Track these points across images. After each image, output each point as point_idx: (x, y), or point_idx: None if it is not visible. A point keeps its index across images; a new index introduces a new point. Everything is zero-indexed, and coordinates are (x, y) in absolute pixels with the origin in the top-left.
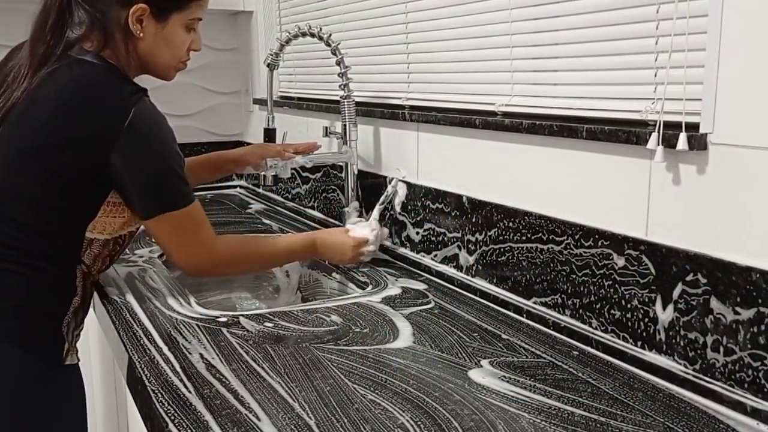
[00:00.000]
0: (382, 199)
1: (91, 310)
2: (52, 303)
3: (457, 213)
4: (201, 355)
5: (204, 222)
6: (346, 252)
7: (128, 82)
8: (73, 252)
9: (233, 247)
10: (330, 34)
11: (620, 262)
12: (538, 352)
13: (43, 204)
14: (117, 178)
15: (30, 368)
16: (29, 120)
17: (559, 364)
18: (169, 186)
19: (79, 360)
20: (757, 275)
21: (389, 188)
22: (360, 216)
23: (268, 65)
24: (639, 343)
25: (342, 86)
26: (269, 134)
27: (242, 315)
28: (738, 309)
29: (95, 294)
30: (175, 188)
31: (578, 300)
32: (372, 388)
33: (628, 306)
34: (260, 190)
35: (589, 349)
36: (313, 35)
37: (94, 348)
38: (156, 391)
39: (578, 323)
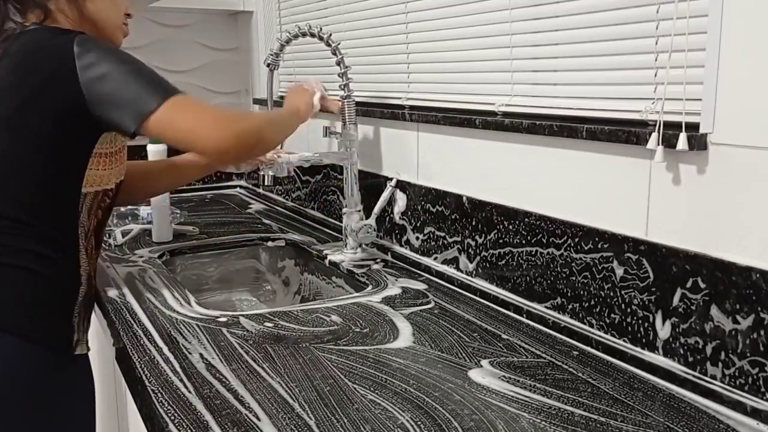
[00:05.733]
0: (379, 203)
1: None
2: (58, 294)
3: (457, 214)
4: (201, 355)
5: (205, 102)
6: (297, 90)
7: (67, 30)
8: (68, 230)
9: (238, 112)
10: (330, 34)
11: (620, 263)
12: (538, 352)
13: (32, 170)
14: (96, 101)
15: (39, 362)
16: None
17: (559, 364)
18: (149, 80)
19: (89, 350)
20: (757, 275)
21: (386, 192)
22: (361, 218)
23: (268, 65)
24: (639, 346)
25: (342, 86)
26: None
27: (242, 315)
28: (738, 311)
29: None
30: (157, 80)
31: (578, 304)
32: (372, 388)
33: (628, 310)
34: (260, 190)
35: (589, 349)
36: (313, 35)
37: (94, 348)
38: (156, 391)
39: (578, 323)
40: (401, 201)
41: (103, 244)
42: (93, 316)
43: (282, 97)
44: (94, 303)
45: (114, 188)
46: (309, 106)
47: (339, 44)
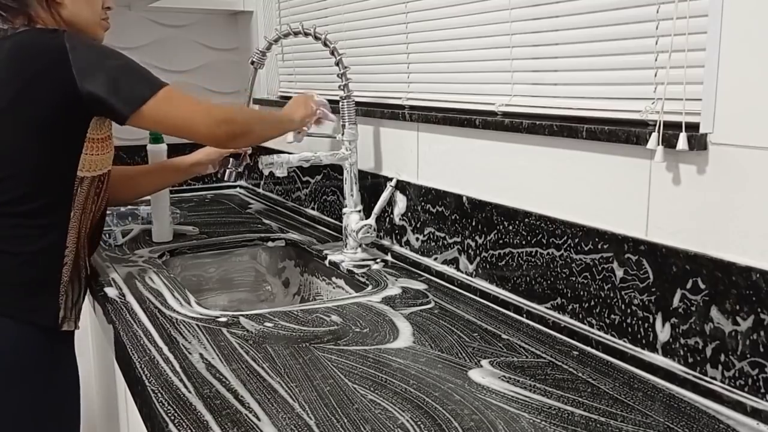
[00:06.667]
0: (379, 203)
1: (91, 310)
2: (41, 274)
3: (457, 215)
4: (201, 355)
5: (192, 93)
6: (302, 101)
7: (51, 29)
8: (58, 214)
9: (231, 104)
10: (326, 34)
11: (620, 263)
12: (538, 352)
13: (28, 158)
14: (92, 96)
15: (27, 339)
16: None
17: (559, 364)
18: (138, 75)
19: (77, 328)
20: (757, 275)
21: (386, 192)
22: (361, 218)
23: (253, 63)
24: (639, 346)
25: (342, 86)
26: None
27: (242, 315)
28: (738, 312)
29: (94, 295)
30: (146, 76)
31: (578, 304)
32: (372, 388)
33: (628, 310)
34: (260, 190)
35: (589, 349)
36: (308, 34)
37: (95, 348)
38: (156, 391)
39: (578, 323)
40: (401, 203)
41: (102, 234)
42: (94, 316)
43: (282, 98)
44: (88, 285)
45: (106, 174)
46: (303, 120)
47: (337, 44)
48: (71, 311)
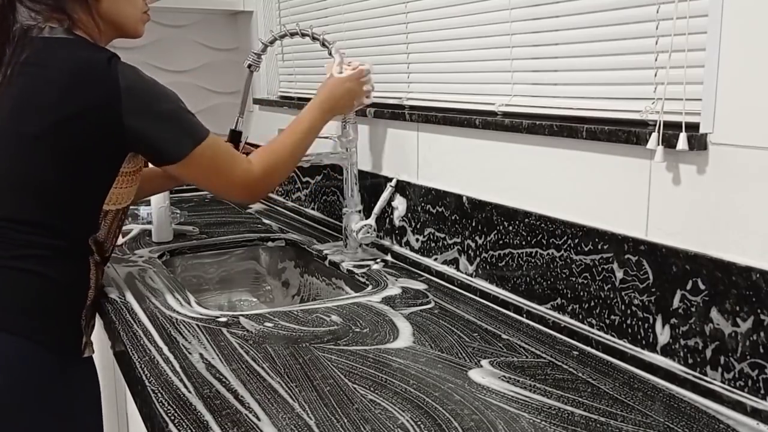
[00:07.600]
0: (379, 203)
1: None
2: (69, 298)
3: (457, 215)
4: (201, 355)
5: (230, 147)
6: (352, 89)
7: (102, 49)
8: (85, 239)
9: (266, 156)
10: (323, 34)
11: (620, 264)
12: (538, 352)
13: (57, 188)
14: (136, 139)
15: (48, 364)
16: (31, 105)
17: (559, 364)
18: (188, 122)
19: (93, 352)
20: (757, 275)
21: (386, 192)
22: (361, 218)
23: (249, 66)
24: (639, 347)
25: None
26: (234, 136)
27: (242, 315)
28: (738, 312)
29: None
30: (194, 122)
31: (578, 305)
32: (372, 388)
33: (628, 311)
34: None
35: (589, 349)
36: (305, 35)
37: (94, 347)
38: (156, 391)
39: (578, 323)
40: (401, 206)
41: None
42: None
43: (282, 97)
44: (98, 305)
45: (129, 205)
46: (344, 111)
47: (335, 44)
48: (89, 336)
